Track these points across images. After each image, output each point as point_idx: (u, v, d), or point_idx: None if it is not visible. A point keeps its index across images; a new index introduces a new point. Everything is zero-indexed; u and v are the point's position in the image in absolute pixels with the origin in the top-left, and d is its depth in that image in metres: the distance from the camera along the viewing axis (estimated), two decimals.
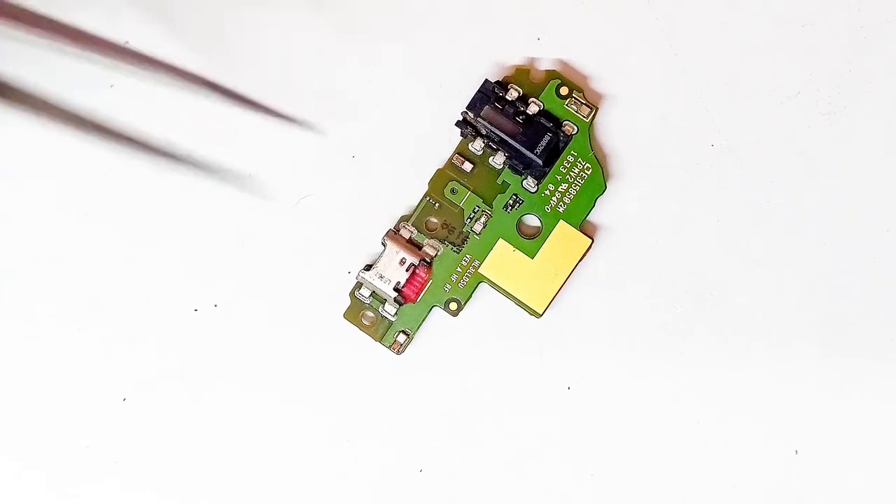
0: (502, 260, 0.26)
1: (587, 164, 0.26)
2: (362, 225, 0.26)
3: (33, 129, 0.26)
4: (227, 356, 0.26)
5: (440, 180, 0.26)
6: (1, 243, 0.26)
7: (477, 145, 0.26)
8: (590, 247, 0.26)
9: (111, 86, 0.27)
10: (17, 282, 0.26)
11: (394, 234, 0.26)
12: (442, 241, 0.26)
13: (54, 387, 0.26)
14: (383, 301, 0.26)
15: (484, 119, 0.25)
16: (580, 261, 0.26)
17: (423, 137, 0.26)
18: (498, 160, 0.26)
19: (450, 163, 0.26)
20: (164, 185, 0.27)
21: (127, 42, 0.27)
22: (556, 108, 0.26)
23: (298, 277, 0.26)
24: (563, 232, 0.26)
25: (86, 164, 0.27)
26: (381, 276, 0.25)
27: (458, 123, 0.26)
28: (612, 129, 0.26)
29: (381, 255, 0.25)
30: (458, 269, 0.26)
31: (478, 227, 0.26)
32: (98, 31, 0.26)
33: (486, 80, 0.26)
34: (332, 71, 0.27)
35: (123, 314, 0.26)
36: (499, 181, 0.26)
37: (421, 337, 0.26)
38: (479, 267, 0.26)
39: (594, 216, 0.26)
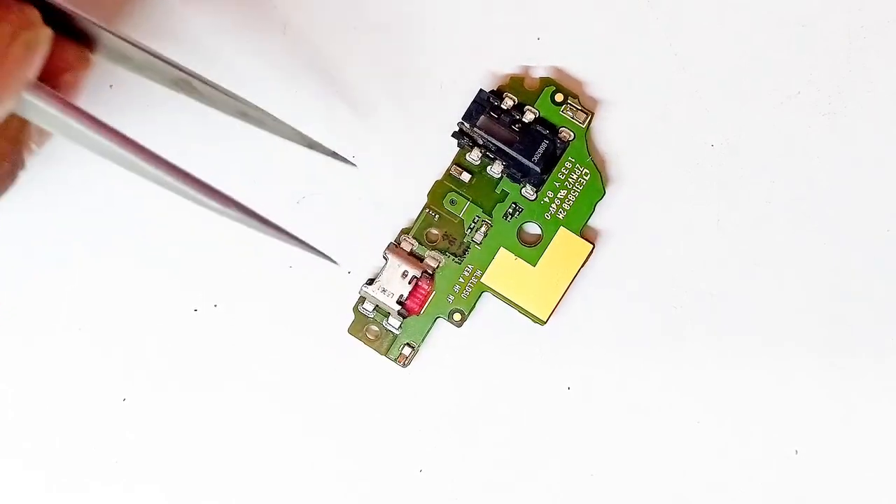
0: (504, 269, 0.26)
1: (585, 170, 0.26)
2: (362, 225, 0.26)
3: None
4: (227, 356, 0.26)
5: (439, 191, 0.26)
6: (0, 243, 0.27)
7: (474, 155, 0.26)
8: (591, 252, 0.26)
9: (110, 86, 0.27)
10: (17, 282, 0.27)
11: (395, 247, 0.26)
12: (443, 252, 0.26)
13: (54, 387, 0.26)
14: (387, 314, 0.26)
15: (480, 129, 0.25)
16: (582, 266, 0.26)
17: (422, 140, 0.26)
18: (496, 169, 0.26)
19: (448, 174, 0.26)
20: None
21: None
22: (551, 114, 0.26)
23: (298, 277, 0.26)
24: (564, 238, 0.26)
25: (85, 165, 0.27)
26: (384, 290, 0.25)
27: (454, 134, 0.26)
28: (612, 132, 0.26)
29: (382, 269, 0.26)
30: (461, 280, 0.26)
31: (478, 236, 0.26)
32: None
33: (481, 90, 0.25)
34: (332, 70, 0.27)
35: (123, 314, 0.26)
36: (497, 190, 0.26)
37: (426, 349, 0.26)
38: (481, 277, 0.26)
39: (594, 221, 0.26)
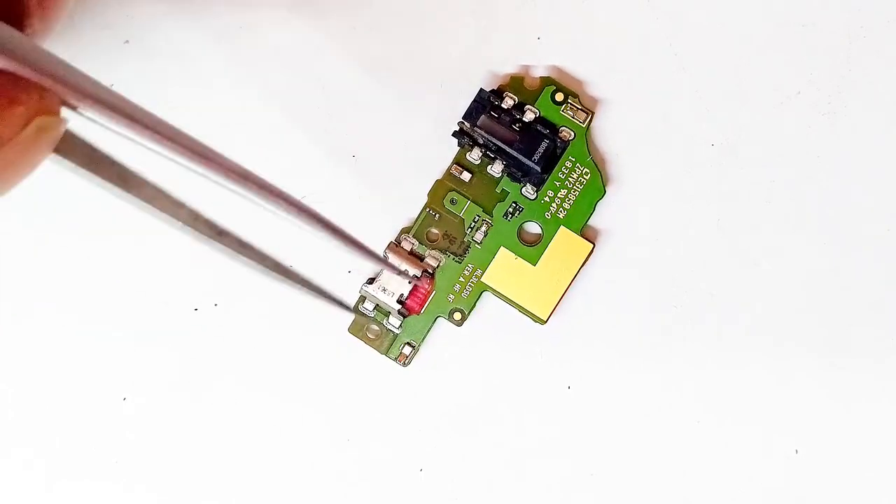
0: (504, 268, 0.26)
1: (585, 169, 0.26)
2: (362, 225, 0.26)
3: None
4: (227, 356, 0.26)
5: (439, 191, 0.26)
6: (1, 243, 0.27)
7: (474, 155, 0.26)
8: (591, 251, 0.26)
9: (111, 85, 0.27)
10: (18, 281, 0.27)
11: (395, 246, 0.26)
12: (443, 251, 0.26)
13: (54, 386, 0.26)
14: (387, 314, 0.26)
15: (480, 128, 0.25)
16: (582, 266, 0.26)
17: (422, 140, 0.26)
18: (496, 169, 0.26)
19: (448, 173, 0.26)
20: (164, 184, 0.27)
21: (127, 42, 0.26)
22: (552, 114, 0.26)
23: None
24: (565, 238, 0.26)
25: None
26: (385, 290, 0.25)
27: (454, 134, 0.26)
28: (612, 132, 0.26)
29: (383, 268, 0.26)
30: (461, 279, 0.26)
31: (479, 236, 0.26)
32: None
33: (482, 90, 0.25)
34: (332, 70, 0.27)
35: (124, 314, 0.26)
36: (498, 189, 0.26)
37: (426, 348, 0.26)
38: (481, 276, 0.26)
39: (594, 221, 0.26)
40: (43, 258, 0.27)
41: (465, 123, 0.25)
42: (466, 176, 0.26)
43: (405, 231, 0.26)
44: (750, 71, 0.26)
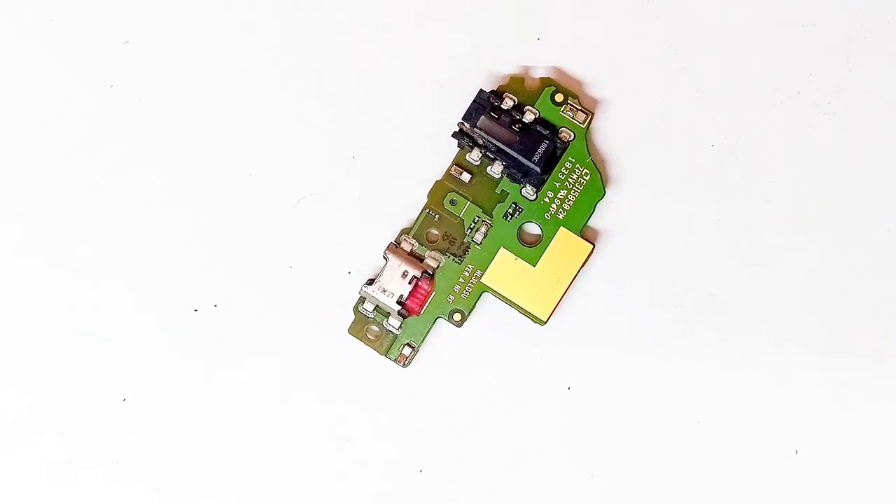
0: (504, 269, 0.26)
1: (585, 170, 0.26)
2: (362, 225, 0.27)
3: (33, 124, 0.27)
4: (228, 356, 0.26)
5: (439, 192, 0.26)
6: (1, 243, 0.27)
7: (474, 155, 0.26)
8: (591, 252, 0.26)
9: (111, 86, 0.27)
10: (17, 282, 0.27)
11: (395, 247, 0.26)
12: (443, 252, 0.26)
13: (54, 386, 0.26)
14: (387, 315, 0.26)
15: (480, 129, 0.25)
16: (582, 266, 0.26)
17: (422, 140, 0.26)
18: (496, 169, 0.26)
19: (448, 174, 0.26)
20: (164, 184, 0.27)
21: (127, 42, 0.27)
22: (551, 115, 0.26)
23: (298, 277, 0.26)
24: (564, 238, 0.26)
25: (86, 164, 0.27)
26: (384, 290, 0.25)
27: (454, 134, 0.26)
28: (612, 132, 0.26)
29: (382, 269, 0.26)
30: (461, 280, 0.26)
31: (478, 237, 0.26)
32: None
33: (481, 90, 0.25)
34: (332, 71, 0.27)
35: (124, 314, 0.26)
36: (498, 190, 0.26)
37: (426, 349, 0.26)
38: (481, 277, 0.26)
39: (594, 221, 0.26)
40: (43, 257, 0.27)
41: (465, 124, 0.25)
42: (466, 177, 0.26)
43: (405, 232, 0.26)
44: (750, 71, 0.26)
